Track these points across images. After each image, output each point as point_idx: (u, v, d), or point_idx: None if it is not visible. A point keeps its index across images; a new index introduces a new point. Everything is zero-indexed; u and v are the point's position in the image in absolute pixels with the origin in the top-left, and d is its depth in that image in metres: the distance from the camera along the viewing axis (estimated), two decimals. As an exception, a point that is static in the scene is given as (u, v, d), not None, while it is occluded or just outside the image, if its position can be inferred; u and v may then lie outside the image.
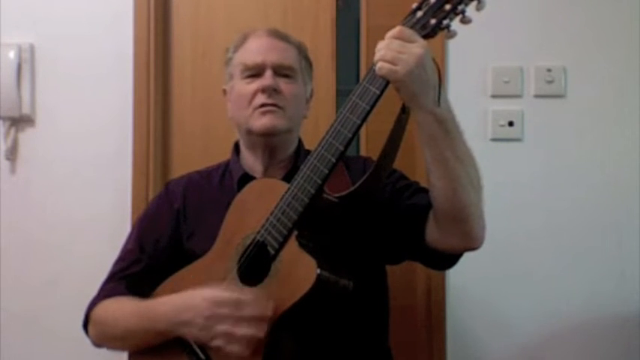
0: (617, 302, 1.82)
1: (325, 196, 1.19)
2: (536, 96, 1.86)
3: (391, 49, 1.11)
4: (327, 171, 1.16)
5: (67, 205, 1.97)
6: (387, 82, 1.12)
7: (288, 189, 1.19)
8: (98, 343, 1.39)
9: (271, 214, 1.20)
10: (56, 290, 1.95)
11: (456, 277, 1.84)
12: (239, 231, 1.26)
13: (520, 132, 1.86)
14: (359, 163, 1.40)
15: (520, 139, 1.87)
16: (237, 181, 1.41)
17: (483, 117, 1.87)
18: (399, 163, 1.28)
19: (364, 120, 1.14)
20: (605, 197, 1.84)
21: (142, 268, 1.41)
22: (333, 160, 1.15)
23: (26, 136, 2.00)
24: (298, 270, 1.14)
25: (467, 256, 1.27)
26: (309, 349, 1.19)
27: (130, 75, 1.96)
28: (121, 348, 1.38)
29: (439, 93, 1.13)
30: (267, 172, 1.41)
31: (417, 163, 1.76)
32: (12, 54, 1.96)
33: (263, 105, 1.35)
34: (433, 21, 1.12)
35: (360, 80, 1.16)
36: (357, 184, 1.21)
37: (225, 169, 1.48)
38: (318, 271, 1.11)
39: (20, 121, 1.99)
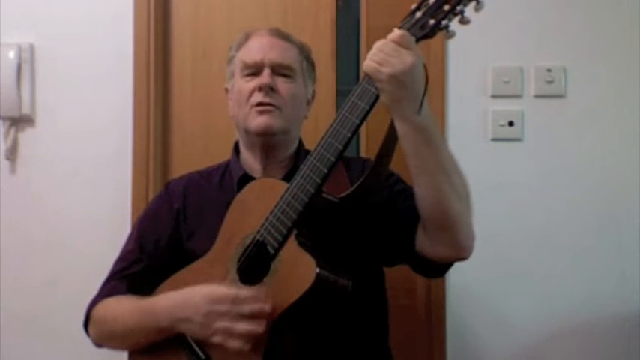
0: (617, 302, 1.82)
1: (325, 195, 1.20)
2: (536, 96, 1.86)
3: (383, 51, 1.13)
4: (326, 170, 1.16)
5: (67, 205, 1.97)
6: None
7: (288, 188, 1.20)
8: (99, 343, 1.39)
9: (271, 213, 1.21)
10: (56, 290, 1.95)
11: (456, 276, 1.84)
12: (239, 231, 1.26)
13: (520, 132, 1.86)
14: (358, 164, 1.40)
15: (520, 139, 1.87)
16: (236, 181, 1.41)
17: (483, 117, 1.87)
18: (396, 166, 1.28)
19: (363, 120, 1.15)
20: (605, 197, 1.84)
21: (142, 267, 1.41)
22: (333, 159, 1.16)
23: (26, 136, 2.00)
24: (297, 269, 1.15)
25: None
26: (308, 347, 1.19)
27: (130, 75, 1.96)
28: (121, 347, 1.38)
29: (421, 103, 1.14)
30: (266, 173, 1.41)
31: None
32: (12, 54, 1.96)
33: (259, 104, 1.36)
34: (432, 21, 1.13)
35: (360, 80, 1.17)
36: (356, 185, 1.22)
37: (225, 169, 1.49)
38: (318, 270, 1.12)
39: (20, 121, 1.99)
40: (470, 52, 1.87)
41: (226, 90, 1.48)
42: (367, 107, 1.15)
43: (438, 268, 1.30)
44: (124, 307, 1.33)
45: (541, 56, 1.86)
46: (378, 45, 1.15)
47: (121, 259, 1.45)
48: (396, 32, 1.14)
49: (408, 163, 1.18)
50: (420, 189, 1.19)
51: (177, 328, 1.23)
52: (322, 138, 1.18)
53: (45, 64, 1.99)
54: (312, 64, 1.47)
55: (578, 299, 1.83)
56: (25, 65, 1.97)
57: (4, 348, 1.94)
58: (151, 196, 1.86)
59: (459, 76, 1.88)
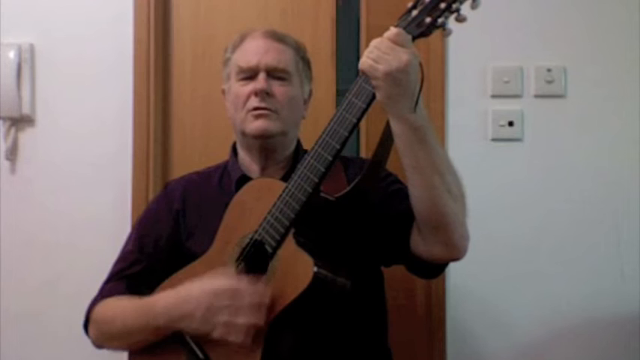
0: (617, 302, 1.82)
1: (322, 195, 1.20)
2: (536, 96, 1.86)
3: (379, 48, 1.13)
4: (323, 169, 1.17)
5: (67, 205, 1.97)
6: None
7: (286, 188, 1.20)
8: (98, 344, 1.39)
9: (269, 213, 1.21)
10: (56, 290, 1.95)
11: (456, 276, 1.84)
12: (237, 230, 1.26)
13: (520, 132, 1.86)
14: (357, 164, 1.40)
15: (520, 139, 1.86)
16: (235, 182, 1.41)
17: (483, 117, 1.87)
18: (393, 166, 1.28)
19: (360, 118, 1.16)
20: (604, 197, 1.84)
21: (141, 268, 1.41)
22: (330, 158, 1.16)
23: (26, 136, 2.00)
24: (296, 268, 1.15)
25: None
26: (307, 346, 1.20)
27: (130, 75, 1.96)
28: (121, 347, 1.38)
29: (416, 101, 1.14)
30: (264, 173, 1.41)
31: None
32: (12, 54, 1.96)
33: (256, 108, 1.36)
34: (428, 19, 1.14)
35: (356, 79, 1.17)
36: (352, 184, 1.22)
37: (223, 170, 1.49)
38: (316, 269, 1.12)
39: (20, 121, 1.99)
40: (470, 52, 1.87)
41: (223, 91, 1.48)
42: (364, 106, 1.15)
43: (432, 269, 1.30)
44: (123, 307, 1.33)
45: (541, 56, 1.86)
46: (374, 43, 1.15)
47: (120, 260, 1.45)
48: (392, 30, 1.15)
49: (402, 161, 1.19)
50: (414, 188, 1.20)
51: (176, 325, 1.23)
52: (320, 137, 1.19)
53: (45, 64, 1.99)
54: (307, 64, 1.47)
55: (578, 299, 1.83)
56: (25, 65, 1.97)
57: (4, 348, 1.94)
58: (151, 196, 1.86)
59: (459, 76, 1.88)
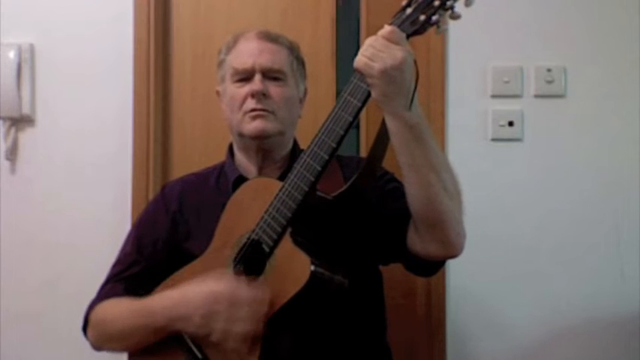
0: (617, 302, 1.82)
1: (319, 194, 1.20)
2: (536, 96, 1.86)
3: (373, 46, 1.14)
4: (320, 168, 1.17)
5: (67, 205, 1.97)
6: None
7: (282, 187, 1.21)
8: (97, 346, 1.39)
9: (266, 212, 1.21)
10: (56, 290, 1.95)
11: (456, 277, 1.84)
12: (235, 230, 1.26)
13: (520, 132, 1.86)
14: (353, 162, 1.40)
15: (520, 139, 1.86)
16: (232, 183, 1.41)
17: (483, 117, 1.87)
18: (389, 164, 1.28)
19: (356, 117, 1.16)
20: (604, 197, 1.84)
21: (140, 270, 1.42)
22: (326, 157, 1.17)
23: (26, 136, 2.00)
24: (293, 267, 1.15)
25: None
26: (305, 345, 1.20)
27: (130, 75, 1.96)
28: (120, 348, 1.38)
29: (412, 99, 1.14)
30: (262, 173, 1.41)
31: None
32: (12, 54, 1.96)
33: (253, 110, 1.36)
34: (422, 17, 1.14)
35: (351, 77, 1.18)
36: (349, 183, 1.23)
37: (220, 170, 1.49)
38: (313, 267, 1.13)
39: (20, 121, 1.99)
40: (470, 52, 1.87)
41: (217, 93, 1.48)
42: (359, 104, 1.16)
43: (429, 267, 1.31)
44: (122, 309, 1.33)
45: (541, 56, 1.86)
46: (368, 41, 1.15)
47: (118, 262, 1.45)
48: (387, 28, 1.15)
49: (398, 159, 1.19)
50: (410, 186, 1.20)
51: (174, 326, 1.23)
52: (316, 136, 1.19)
53: (45, 64, 1.99)
54: (302, 62, 1.47)
55: (577, 299, 1.83)
56: (25, 65, 1.97)
57: (4, 348, 1.94)
58: (151, 196, 1.85)
59: (459, 76, 1.88)
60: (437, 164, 1.18)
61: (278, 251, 1.19)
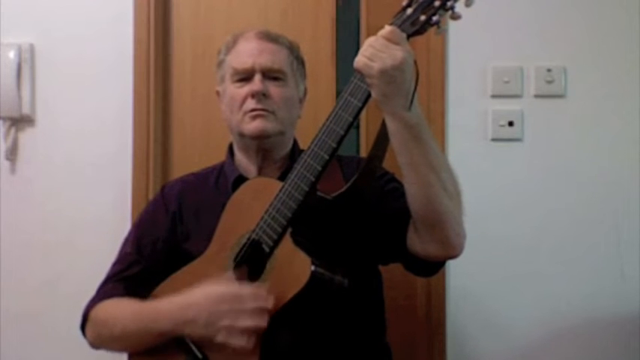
0: (617, 302, 1.82)
1: (319, 194, 1.20)
2: (536, 96, 1.86)
3: (373, 47, 1.14)
4: (320, 168, 1.17)
5: (67, 205, 1.97)
6: None
7: (282, 187, 1.21)
8: (96, 345, 1.39)
9: (266, 212, 1.21)
10: (56, 290, 1.95)
11: (456, 277, 1.84)
12: (235, 230, 1.27)
13: (520, 132, 1.86)
14: (353, 162, 1.41)
15: (520, 139, 1.86)
16: (231, 183, 1.41)
17: (483, 117, 1.87)
18: (389, 164, 1.28)
19: (356, 117, 1.16)
20: (604, 197, 1.84)
21: (139, 270, 1.41)
22: (327, 157, 1.17)
23: (26, 136, 2.00)
24: (293, 267, 1.15)
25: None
26: (305, 345, 1.20)
27: (130, 75, 1.96)
28: (120, 349, 1.38)
29: (412, 99, 1.14)
30: (261, 173, 1.41)
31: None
32: (12, 54, 1.96)
33: (253, 110, 1.36)
34: (422, 17, 1.14)
35: (352, 77, 1.17)
36: (349, 183, 1.22)
37: (220, 170, 1.49)
38: (313, 267, 1.13)
39: (20, 121, 1.99)
40: (470, 52, 1.87)
41: (217, 93, 1.48)
42: (360, 104, 1.16)
43: (429, 267, 1.30)
44: (124, 311, 1.33)
45: (541, 56, 1.86)
46: (368, 41, 1.15)
47: (118, 262, 1.45)
48: (387, 28, 1.15)
49: (398, 159, 1.19)
50: (410, 186, 1.20)
51: (180, 330, 1.23)
52: (316, 136, 1.19)
53: (45, 64, 1.99)
54: (302, 62, 1.47)
55: (577, 299, 1.83)
56: (25, 65, 1.97)
57: (4, 348, 1.94)
58: (151, 196, 1.85)
59: (459, 76, 1.88)
60: (436, 164, 1.18)
61: (278, 251, 1.19)
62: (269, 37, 1.42)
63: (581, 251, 1.83)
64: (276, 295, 1.15)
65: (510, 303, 1.85)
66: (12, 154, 1.99)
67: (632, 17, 1.84)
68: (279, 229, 1.19)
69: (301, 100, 1.47)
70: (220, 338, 1.17)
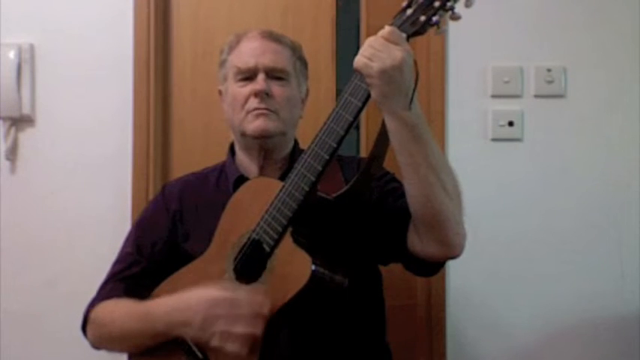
0: (617, 302, 1.82)
1: (320, 194, 1.20)
2: (536, 96, 1.87)
3: (373, 47, 1.14)
4: (320, 168, 1.17)
5: (67, 205, 1.97)
6: None
7: (283, 187, 1.20)
8: (96, 345, 1.39)
9: (266, 212, 1.21)
10: (56, 290, 1.95)
11: (456, 277, 1.84)
12: (235, 230, 1.26)
13: (520, 132, 1.86)
14: (353, 162, 1.41)
15: (520, 139, 1.87)
16: (232, 182, 1.41)
17: (483, 117, 1.87)
18: (389, 164, 1.28)
19: (356, 117, 1.16)
20: (604, 197, 1.84)
21: (140, 269, 1.41)
22: (327, 157, 1.17)
23: (26, 136, 1.99)
24: (293, 267, 1.15)
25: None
26: (305, 344, 1.20)
27: (130, 75, 1.96)
28: (120, 349, 1.38)
29: (411, 99, 1.14)
30: (262, 173, 1.41)
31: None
32: (12, 54, 1.96)
33: (256, 109, 1.36)
34: (422, 18, 1.14)
35: (351, 77, 1.17)
36: (350, 184, 1.22)
37: (220, 170, 1.49)
38: (313, 267, 1.13)
39: (20, 121, 1.99)
40: (470, 52, 1.88)
41: (220, 92, 1.48)
42: (360, 104, 1.15)
43: (429, 267, 1.30)
44: (122, 311, 1.33)
45: (541, 56, 1.86)
46: (368, 41, 1.15)
47: (118, 262, 1.45)
48: (386, 28, 1.15)
49: (397, 159, 1.18)
50: (410, 186, 1.20)
51: (175, 331, 1.23)
52: (316, 136, 1.19)
53: (45, 64, 1.99)
54: (304, 63, 1.47)
55: (578, 300, 1.83)
56: (25, 65, 1.97)
57: (4, 348, 1.94)
58: (151, 196, 1.86)
59: (459, 76, 1.88)
60: (436, 164, 1.18)
61: (278, 251, 1.19)
62: (272, 36, 1.42)
63: (581, 251, 1.84)
64: (277, 295, 1.15)
65: (510, 303, 1.85)
66: (12, 154, 1.99)
67: (633, 17, 1.84)
68: (280, 229, 1.18)
69: (303, 101, 1.47)
70: (215, 342, 1.16)
